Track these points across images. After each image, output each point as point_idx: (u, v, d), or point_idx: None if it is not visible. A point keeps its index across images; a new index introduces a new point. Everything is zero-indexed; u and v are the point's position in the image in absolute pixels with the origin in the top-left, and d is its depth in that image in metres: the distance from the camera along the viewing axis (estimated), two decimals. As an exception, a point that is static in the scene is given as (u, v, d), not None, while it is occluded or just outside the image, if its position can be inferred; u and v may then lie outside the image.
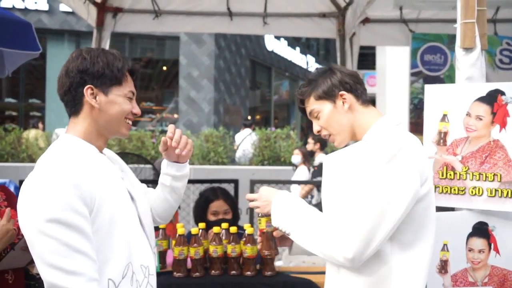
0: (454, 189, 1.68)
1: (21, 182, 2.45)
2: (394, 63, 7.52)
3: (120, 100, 1.28)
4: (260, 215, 1.44)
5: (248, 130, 7.92)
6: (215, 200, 2.51)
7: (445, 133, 1.68)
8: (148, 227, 1.36)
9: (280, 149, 7.05)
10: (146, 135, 7.26)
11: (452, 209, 1.73)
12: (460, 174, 1.67)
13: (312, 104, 1.43)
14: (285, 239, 1.46)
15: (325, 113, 1.40)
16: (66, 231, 1.09)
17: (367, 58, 13.76)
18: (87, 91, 1.25)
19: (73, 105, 1.27)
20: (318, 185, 4.64)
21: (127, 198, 1.29)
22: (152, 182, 3.44)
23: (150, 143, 7.10)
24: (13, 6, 9.77)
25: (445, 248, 1.68)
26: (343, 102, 1.39)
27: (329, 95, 1.40)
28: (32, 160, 6.71)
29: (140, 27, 3.89)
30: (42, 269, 1.11)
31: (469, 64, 1.65)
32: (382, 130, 1.34)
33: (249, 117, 10.60)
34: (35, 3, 9.67)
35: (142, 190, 1.44)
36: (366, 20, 3.77)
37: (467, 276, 1.67)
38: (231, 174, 5.48)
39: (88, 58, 1.26)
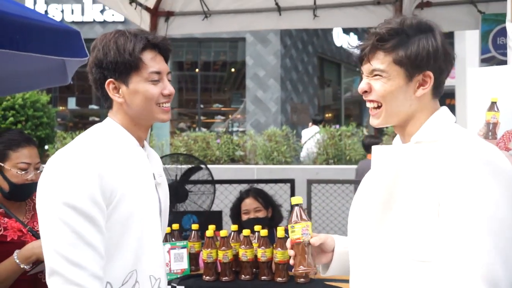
0: (507, 191, 1.41)
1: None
2: (474, 52, 6.87)
3: (141, 87, 1.17)
4: (293, 221, 1.19)
5: (315, 128, 7.72)
6: (245, 198, 2.44)
7: (495, 124, 1.43)
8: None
9: (345, 147, 6.77)
10: (211, 136, 7.41)
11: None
12: (514, 173, 1.40)
13: (383, 63, 1.05)
14: (323, 253, 1.24)
15: (390, 86, 1.06)
16: (80, 219, 1.05)
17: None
18: (109, 86, 1.19)
19: (105, 101, 1.23)
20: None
21: (156, 205, 1.23)
22: (206, 182, 3.46)
23: (215, 144, 7.23)
24: (94, 20, 10.58)
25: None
26: (419, 85, 1.05)
27: (413, 67, 1.04)
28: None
29: (191, 29, 3.93)
30: (47, 252, 1.07)
31: (523, 40, 1.38)
32: (451, 128, 1.07)
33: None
34: (113, 15, 10.36)
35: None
36: (427, 4, 3.44)
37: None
38: (295, 174, 5.37)
39: (101, 48, 1.18)
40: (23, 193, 1.72)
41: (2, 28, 2.32)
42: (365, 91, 1.10)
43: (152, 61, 1.18)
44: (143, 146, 1.26)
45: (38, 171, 1.72)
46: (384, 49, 1.05)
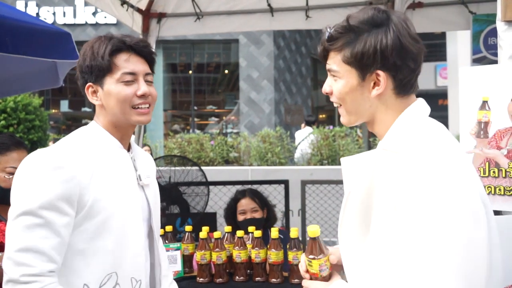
0: (499, 189, 1.42)
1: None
2: (466, 53, 6.93)
3: (113, 88, 1.18)
4: (310, 256, 1.11)
5: (309, 129, 7.73)
6: (242, 199, 2.44)
7: (486, 123, 1.43)
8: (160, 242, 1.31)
9: (339, 148, 6.78)
10: (205, 138, 7.38)
11: (498, 213, 1.47)
12: (506, 171, 1.41)
13: (335, 63, 1.02)
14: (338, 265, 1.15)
15: (344, 86, 1.01)
16: (36, 221, 1.06)
17: (440, 49, 12.89)
18: (88, 90, 1.22)
19: (90, 104, 1.27)
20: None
21: (143, 207, 1.23)
22: (200, 184, 3.44)
23: (208, 146, 7.20)
24: (86, 22, 10.52)
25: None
26: (373, 85, 0.99)
27: (361, 66, 0.98)
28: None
29: (183, 30, 3.92)
30: (4, 257, 1.08)
31: (513, 40, 1.39)
32: (410, 137, 0.97)
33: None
34: (105, 17, 10.31)
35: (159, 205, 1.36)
36: (419, 5, 3.46)
37: (519, 292, 1.40)
38: (289, 175, 5.35)
39: (81, 54, 1.23)
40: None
41: (-8, 30, 2.30)
42: (327, 93, 1.07)
43: (125, 62, 1.19)
44: (128, 149, 1.26)
45: None
46: (334, 48, 1.01)
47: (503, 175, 1.41)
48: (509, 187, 1.40)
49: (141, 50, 1.22)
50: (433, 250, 0.86)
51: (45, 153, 1.13)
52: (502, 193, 1.41)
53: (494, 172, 1.42)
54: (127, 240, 1.17)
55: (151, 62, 1.25)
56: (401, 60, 0.97)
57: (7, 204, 1.69)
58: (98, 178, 1.13)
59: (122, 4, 3.46)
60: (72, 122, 11.65)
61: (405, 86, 1.00)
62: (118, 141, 1.22)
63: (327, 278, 1.10)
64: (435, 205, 0.87)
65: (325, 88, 1.07)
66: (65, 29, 2.86)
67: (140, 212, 1.22)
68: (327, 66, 1.05)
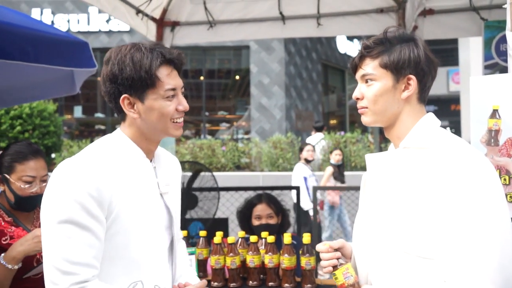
0: (510, 196, 1.44)
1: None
2: (478, 57, 6.89)
3: (157, 104, 1.17)
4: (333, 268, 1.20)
5: (320, 135, 7.74)
6: (258, 204, 2.46)
7: (497, 131, 1.45)
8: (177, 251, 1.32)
9: (350, 154, 6.79)
10: (217, 144, 7.45)
11: (509, 220, 1.49)
12: (516, 179, 1.43)
13: (372, 68, 1.18)
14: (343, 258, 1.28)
15: (379, 88, 1.16)
16: (77, 229, 1.08)
17: (452, 54, 12.82)
18: (124, 102, 1.18)
19: (118, 113, 1.23)
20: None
21: (163, 215, 1.25)
22: (213, 190, 3.48)
23: (220, 151, 7.26)
24: (99, 30, 10.70)
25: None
26: (404, 88, 1.16)
27: (397, 71, 1.15)
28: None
29: (196, 38, 3.98)
30: (46, 267, 1.10)
31: (523, 49, 1.41)
32: (437, 134, 1.14)
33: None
34: (118, 24, 10.47)
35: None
36: (430, 12, 3.47)
37: (530, 299, 1.41)
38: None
39: (116, 63, 1.16)
40: (28, 205, 1.73)
41: (14, 40, 2.37)
42: (358, 98, 1.21)
43: (168, 78, 1.18)
44: (151, 159, 1.28)
45: (44, 184, 1.72)
46: (370, 55, 1.18)
47: (514, 183, 1.43)
48: (520, 194, 1.42)
49: (180, 64, 1.22)
50: (480, 226, 1.01)
51: (77, 162, 1.15)
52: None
53: (505, 179, 1.44)
54: (151, 248, 1.19)
55: (180, 73, 1.26)
56: (428, 68, 1.17)
57: (23, 211, 1.74)
58: (123, 187, 1.16)
59: (137, 13, 3.54)
60: (85, 128, 11.83)
61: (425, 93, 1.19)
62: (145, 150, 1.24)
63: (356, 286, 1.19)
64: (480, 188, 1.03)
65: (356, 94, 1.22)
66: (79, 37, 2.93)
67: (165, 221, 1.25)
68: (361, 72, 1.20)
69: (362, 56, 1.20)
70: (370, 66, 1.18)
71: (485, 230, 1.00)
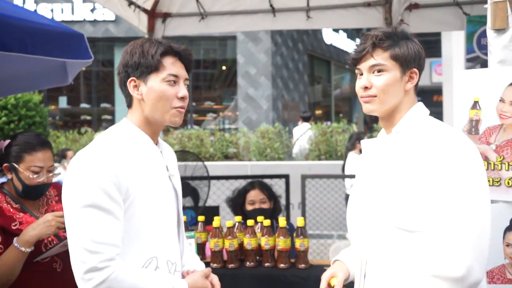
0: (489, 181, 1.57)
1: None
2: (460, 50, 7.08)
3: (158, 85, 1.28)
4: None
5: (306, 125, 7.87)
6: (251, 190, 2.58)
7: (477, 121, 1.59)
8: (183, 225, 1.43)
9: (337, 143, 6.94)
10: (205, 134, 7.51)
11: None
12: (494, 164, 1.56)
13: (384, 59, 1.25)
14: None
15: (390, 78, 1.25)
16: (101, 213, 1.18)
17: (435, 46, 13.05)
18: (130, 84, 1.30)
19: (126, 99, 1.34)
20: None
21: (171, 195, 1.35)
22: (203, 178, 3.57)
23: (208, 141, 7.33)
24: (84, 19, 10.56)
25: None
26: (408, 79, 1.28)
27: (406, 64, 1.26)
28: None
29: (188, 30, 4.03)
30: (73, 250, 1.20)
31: (501, 46, 1.54)
32: (426, 120, 1.28)
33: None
34: (103, 14, 10.36)
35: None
36: (415, 6, 3.60)
37: (505, 273, 1.56)
38: (288, 170, 5.50)
39: (129, 51, 1.31)
40: (34, 194, 1.81)
41: (12, 31, 2.40)
42: (366, 87, 1.28)
43: (172, 65, 1.30)
44: (156, 143, 1.38)
45: (51, 174, 1.81)
46: (382, 47, 1.26)
47: (492, 168, 1.57)
48: (497, 179, 1.56)
49: (186, 57, 1.34)
50: (464, 198, 1.15)
51: (95, 151, 1.25)
52: (491, 184, 1.57)
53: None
54: (163, 228, 1.31)
55: (189, 70, 1.37)
56: (423, 63, 1.32)
57: (30, 199, 1.82)
58: (137, 173, 1.26)
59: (129, 5, 3.58)
60: (70, 118, 11.72)
61: (418, 85, 1.32)
62: (150, 136, 1.33)
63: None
64: (465, 167, 1.16)
65: (365, 83, 1.28)
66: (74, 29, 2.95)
67: (174, 200, 1.36)
68: (372, 62, 1.26)
69: (374, 46, 1.26)
70: (381, 57, 1.25)
71: (469, 202, 1.13)
